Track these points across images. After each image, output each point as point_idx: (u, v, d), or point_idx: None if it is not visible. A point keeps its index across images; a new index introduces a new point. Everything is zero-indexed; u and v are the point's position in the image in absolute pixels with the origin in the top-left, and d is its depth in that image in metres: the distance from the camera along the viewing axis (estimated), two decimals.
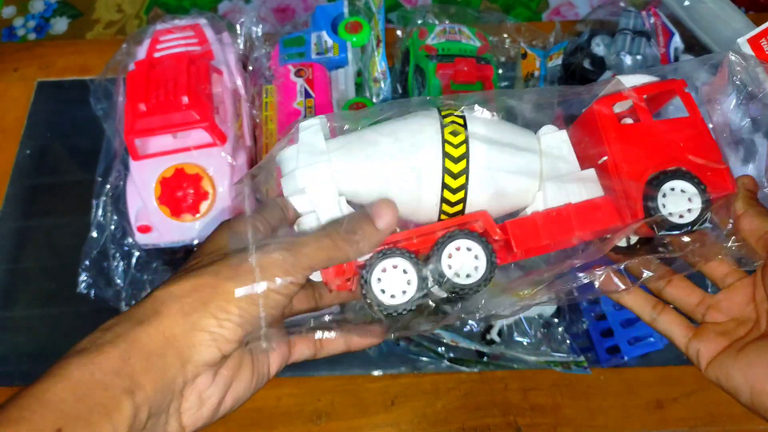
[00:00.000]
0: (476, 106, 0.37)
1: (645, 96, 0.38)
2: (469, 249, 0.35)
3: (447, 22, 0.72)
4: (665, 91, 0.39)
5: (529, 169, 0.37)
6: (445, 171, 0.35)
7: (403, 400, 0.58)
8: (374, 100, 0.65)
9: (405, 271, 0.35)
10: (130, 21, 1.61)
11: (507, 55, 0.73)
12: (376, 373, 0.59)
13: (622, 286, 0.38)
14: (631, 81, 0.38)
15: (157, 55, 0.61)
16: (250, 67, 0.66)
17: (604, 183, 0.37)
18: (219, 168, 0.55)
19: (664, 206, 0.35)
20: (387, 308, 0.34)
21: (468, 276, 0.34)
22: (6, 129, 0.74)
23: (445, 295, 0.36)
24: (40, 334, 0.63)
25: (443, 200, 0.35)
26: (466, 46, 0.67)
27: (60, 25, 1.61)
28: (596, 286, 0.38)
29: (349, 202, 0.36)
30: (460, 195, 0.35)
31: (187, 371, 0.31)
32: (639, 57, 0.60)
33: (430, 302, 0.37)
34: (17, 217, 0.69)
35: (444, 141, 0.35)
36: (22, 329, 0.64)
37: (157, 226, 0.55)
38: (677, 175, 0.36)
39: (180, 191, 0.54)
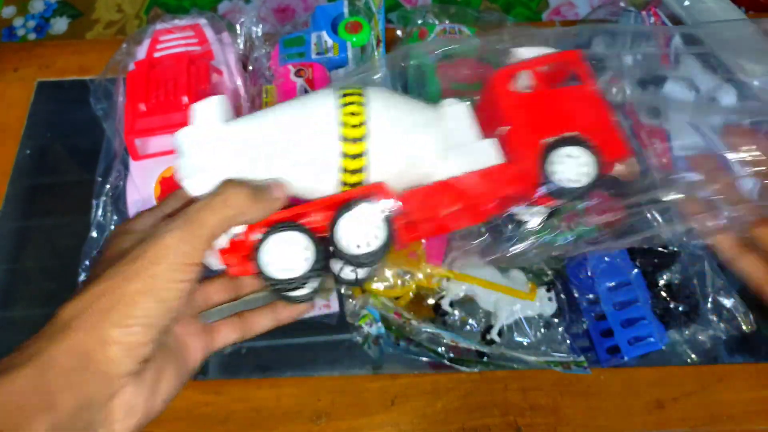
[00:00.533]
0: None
1: (543, 67, 0.38)
2: (357, 218, 0.34)
3: (447, 22, 0.72)
4: (563, 62, 0.39)
5: (431, 140, 0.36)
6: (343, 155, 0.34)
7: (403, 400, 0.58)
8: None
9: (301, 245, 0.34)
10: (130, 21, 1.61)
11: (507, 55, 0.73)
12: (375, 373, 0.59)
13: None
14: (527, 53, 0.39)
15: (157, 55, 0.61)
16: (250, 67, 0.66)
17: (505, 152, 0.37)
18: None
19: (560, 172, 0.36)
20: (280, 282, 0.34)
21: (368, 245, 0.34)
22: (6, 129, 0.74)
23: (341, 266, 0.36)
24: None
25: (343, 183, 0.35)
26: (465, 47, 0.67)
27: (60, 25, 1.61)
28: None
29: None
30: (360, 177, 0.35)
31: (109, 385, 0.30)
32: (639, 57, 0.60)
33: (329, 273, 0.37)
34: (17, 217, 0.69)
35: (341, 123, 0.34)
36: (22, 329, 0.64)
37: None
38: (570, 141, 0.36)
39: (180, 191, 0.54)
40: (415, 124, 0.36)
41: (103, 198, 0.60)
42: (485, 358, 0.57)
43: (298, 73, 0.63)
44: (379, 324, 0.56)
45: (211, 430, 0.57)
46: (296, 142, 0.35)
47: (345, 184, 0.35)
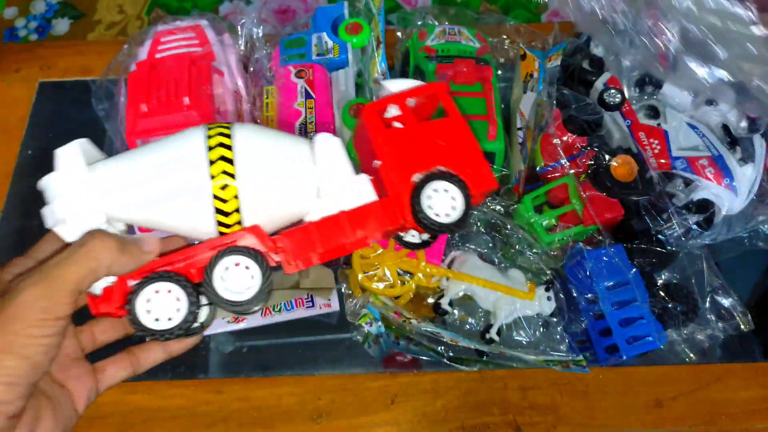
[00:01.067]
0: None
1: (410, 101, 0.39)
2: (237, 264, 0.34)
3: (446, 23, 0.72)
4: (430, 95, 0.39)
5: (303, 178, 0.36)
6: (215, 197, 0.34)
7: (403, 399, 0.58)
8: (375, 100, 0.65)
9: (177, 297, 0.34)
10: (132, 22, 1.61)
11: (506, 56, 0.74)
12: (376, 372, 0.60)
13: None
14: (395, 86, 0.39)
15: (158, 56, 0.61)
16: (251, 68, 0.66)
17: (378, 187, 0.38)
18: None
19: (429, 207, 0.36)
20: (154, 332, 0.33)
21: (248, 289, 0.34)
22: (8, 129, 0.74)
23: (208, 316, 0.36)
24: None
25: (219, 224, 0.35)
26: (465, 48, 0.68)
27: (61, 26, 1.62)
28: None
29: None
30: (235, 218, 0.35)
31: None
32: (638, 57, 0.60)
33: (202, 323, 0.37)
34: (19, 217, 0.69)
35: (210, 162, 0.34)
36: None
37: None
38: (438, 176, 0.37)
39: None
40: (286, 161, 0.36)
41: None
42: (485, 357, 0.58)
43: (298, 74, 0.64)
44: (379, 323, 0.56)
45: (212, 429, 0.57)
46: (166, 185, 0.34)
47: (222, 224, 0.35)
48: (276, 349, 0.61)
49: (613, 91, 0.62)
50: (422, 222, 0.36)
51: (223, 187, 0.34)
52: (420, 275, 0.58)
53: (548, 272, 0.59)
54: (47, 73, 0.78)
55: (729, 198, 0.60)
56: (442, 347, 0.58)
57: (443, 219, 0.37)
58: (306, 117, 0.61)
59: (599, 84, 0.64)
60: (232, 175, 0.34)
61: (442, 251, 0.59)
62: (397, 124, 0.38)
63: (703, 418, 0.57)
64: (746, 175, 0.61)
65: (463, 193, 0.37)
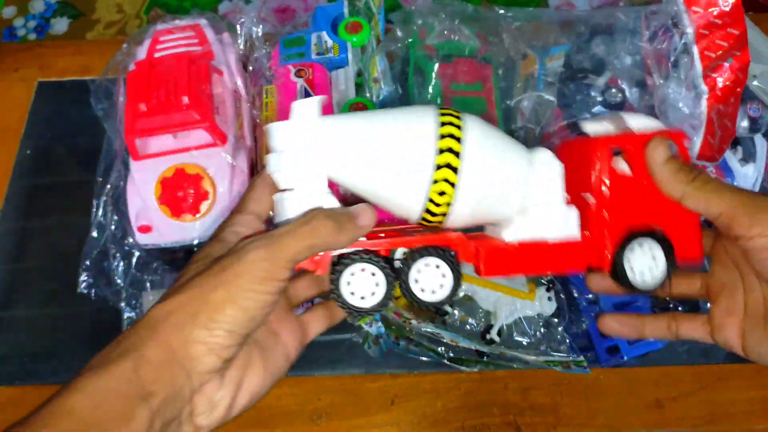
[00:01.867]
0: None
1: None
2: (437, 267, 0.36)
3: (447, 22, 0.72)
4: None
5: (517, 192, 0.36)
6: (433, 184, 0.35)
7: (403, 399, 0.58)
8: (374, 100, 0.65)
9: (374, 275, 0.36)
10: (131, 21, 1.61)
11: (506, 55, 0.73)
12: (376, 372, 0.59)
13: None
14: (636, 123, 0.38)
15: (157, 55, 0.61)
16: (251, 68, 0.66)
17: (582, 217, 0.37)
18: (219, 168, 0.55)
19: (630, 265, 0.36)
20: (354, 308, 0.36)
21: (433, 292, 0.36)
22: (6, 129, 0.74)
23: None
24: (41, 334, 0.63)
25: (427, 210, 0.35)
26: (465, 47, 0.68)
27: (60, 25, 1.62)
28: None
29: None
30: (444, 209, 0.35)
31: (193, 381, 0.33)
32: (638, 57, 0.60)
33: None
34: (17, 217, 0.69)
35: (438, 151, 0.35)
36: (22, 329, 0.64)
37: (158, 226, 0.55)
38: (651, 236, 0.36)
39: (180, 191, 0.54)
40: (507, 170, 0.36)
41: (104, 198, 0.60)
42: (485, 358, 0.58)
43: (298, 74, 0.63)
44: (379, 324, 0.56)
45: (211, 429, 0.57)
46: (388, 160, 0.35)
47: (429, 212, 0.36)
48: None
49: (614, 90, 0.62)
50: (616, 275, 0.36)
51: (443, 179, 0.35)
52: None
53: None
54: (46, 72, 0.78)
55: None
56: (443, 348, 0.57)
57: (638, 280, 0.36)
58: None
59: (600, 83, 0.63)
60: (454, 170, 0.35)
61: None
62: (623, 165, 0.37)
63: (704, 419, 0.57)
64: (747, 175, 0.61)
65: (667, 260, 0.36)
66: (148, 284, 0.60)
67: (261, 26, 0.67)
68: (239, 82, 0.63)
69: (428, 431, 0.57)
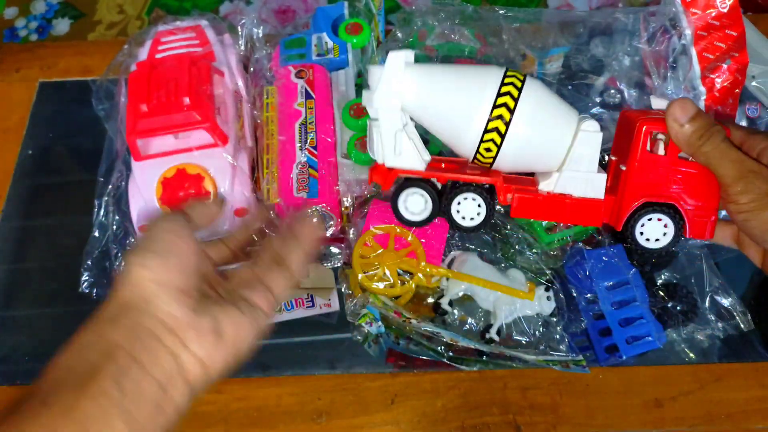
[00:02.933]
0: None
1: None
2: (474, 199, 0.45)
3: (447, 23, 0.72)
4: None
5: (558, 151, 0.43)
6: (486, 129, 0.42)
7: (402, 399, 0.58)
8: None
9: (425, 199, 0.46)
10: (132, 22, 1.62)
11: (506, 56, 0.73)
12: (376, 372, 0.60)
13: None
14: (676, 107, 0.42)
15: (158, 56, 0.62)
16: (251, 68, 0.67)
17: (610, 182, 0.44)
18: (220, 168, 0.56)
19: (641, 233, 0.43)
20: (408, 221, 0.48)
21: (471, 219, 0.46)
22: (8, 129, 0.74)
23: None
24: (42, 334, 0.64)
25: (478, 151, 0.43)
26: (465, 47, 0.68)
27: (62, 26, 1.62)
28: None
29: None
30: (492, 153, 0.43)
31: (159, 314, 0.35)
32: (637, 58, 0.60)
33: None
34: (19, 217, 0.69)
35: (497, 96, 0.42)
36: (23, 329, 0.64)
37: None
38: (665, 210, 0.42)
39: (181, 191, 0.55)
40: (553, 132, 0.43)
41: (105, 198, 0.60)
42: (484, 357, 0.58)
43: (298, 74, 0.64)
44: (379, 323, 0.56)
45: (211, 429, 0.57)
46: (455, 103, 0.43)
47: (479, 153, 0.43)
48: (276, 349, 0.61)
49: (613, 91, 0.62)
50: (628, 239, 0.44)
51: (495, 129, 0.42)
52: (420, 275, 0.58)
53: (548, 272, 0.60)
54: (47, 73, 0.78)
55: None
56: (442, 347, 0.58)
57: (646, 243, 0.43)
58: (306, 117, 0.61)
59: (599, 84, 0.64)
60: (506, 122, 0.42)
61: (442, 251, 0.59)
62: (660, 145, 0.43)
63: (703, 418, 0.57)
64: None
65: (677, 232, 0.43)
66: None
67: (262, 27, 0.68)
68: (240, 83, 0.63)
69: (428, 430, 0.57)
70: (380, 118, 0.44)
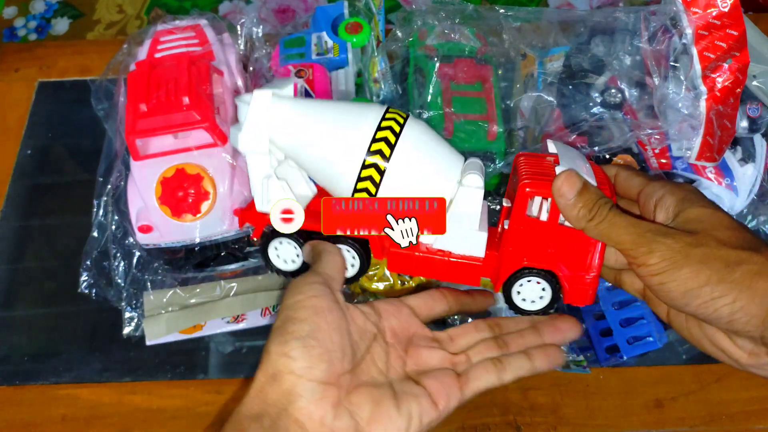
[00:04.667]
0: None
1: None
2: (348, 251, 0.42)
3: (447, 22, 0.72)
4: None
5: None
6: (364, 167, 0.39)
7: None
8: (374, 100, 0.65)
9: (295, 249, 0.43)
10: (131, 21, 1.61)
11: (506, 55, 0.73)
12: None
13: None
14: (562, 165, 0.40)
15: (158, 55, 0.61)
16: (251, 68, 0.66)
17: (491, 240, 0.42)
18: (220, 168, 0.55)
19: (519, 293, 0.41)
20: (280, 272, 0.44)
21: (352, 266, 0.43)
22: (7, 129, 0.74)
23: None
24: (42, 334, 0.63)
25: (356, 190, 0.39)
26: (465, 47, 0.68)
27: (61, 25, 1.62)
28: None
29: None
30: (371, 191, 0.39)
31: (294, 412, 0.34)
32: (638, 58, 0.60)
33: None
34: (18, 217, 0.69)
35: (373, 140, 0.38)
36: (23, 329, 0.64)
37: (158, 226, 0.55)
38: (544, 275, 0.40)
39: (181, 191, 0.55)
40: (434, 179, 0.40)
41: (104, 198, 0.60)
42: None
43: (298, 74, 0.64)
44: None
45: (212, 429, 0.57)
46: (331, 139, 0.39)
47: (357, 190, 0.39)
48: None
49: (613, 90, 0.62)
50: (507, 300, 0.42)
51: (373, 165, 0.39)
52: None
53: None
54: (46, 72, 0.78)
55: (729, 198, 0.60)
56: None
57: (526, 305, 0.42)
58: None
59: (600, 83, 0.63)
60: (385, 158, 0.39)
61: None
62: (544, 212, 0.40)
63: (704, 419, 0.57)
64: (747, 175, 0.61)
65: (554, 298, 0.41)
66: (148, 284, 0.60)
67: (261, 27, 0.68)
68: (239, 83, 0.63)
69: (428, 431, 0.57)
70: (248, 162, 0.40)
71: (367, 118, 0.39)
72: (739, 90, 0.55)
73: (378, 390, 0.37)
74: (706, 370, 0.59)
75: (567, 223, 0.39)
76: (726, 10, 0.53)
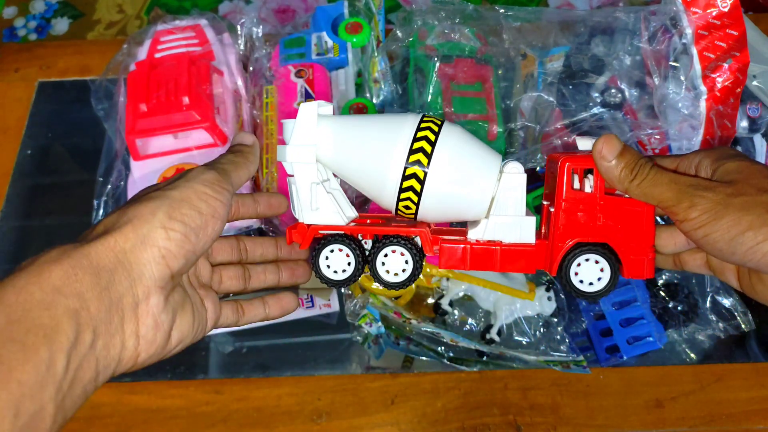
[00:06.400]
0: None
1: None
2: (402, 254, 0.42)
3: (447, 22, 0.72)
4: None
5: (482, 197, 0.40)
6: (404, 178, 0.39)
7: (402, 399, 0.58)
8: (374, 100, 0.65)
9: (348, 255, 0.42)
10: (131, 21, 1.61)
11: (506, 55, 0.73)
12: (375, 372, 0.60)
13: None
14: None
15: (158, 55, 0.61)
16: (251, 68, 0.66)
17: (543, 228, 0.42)
18: None
19: (576, 274, 0.40)
20: (328, 280, 0.42)
21: (396, 275, 0.42)
22: (7, 129, 0.74)
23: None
24: None
25: (399, 203, 0.40)
26: (465, 47, 0.68)
27: (61, 25, 1.62)
28: None
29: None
30: (412, 204, 0.40)
31: (138, 289, 0.32)
32: (638, 58, 0.60)
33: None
34: (18, 217, 0.69)
35: (411, 150, 0.39)
36: None
37: None
38: (599, 250, 0.40)
39: None
40: (475, 178, 0.40)
41: (104, 198, 0.60)
42: (485, 358, 0.58)
43: (298, 74, 0.64)
44: (379, 323, 0.56)
45: (211, 429, 0.57)
46: (370, 155, 0.40)
47: (400, 204, 0.40)
48: (276, 349, 0.61)
49: (613, 90, 0.62)
50: (564, 284, 0.41)
51: (413, 175, 0.39)
52: (420, 275, 0.58)
53: None
54: (46, 72, 0.78)
55: None
56: (442, 347, 0.58)
57: (584, 286, 0.41)
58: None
59: (600, 83, 0.63)
60: (424, 169, 0.39)
61: None
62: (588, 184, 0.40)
63: (704, 419, 0.57)
64: None
65: (613, 273, 0.40)
66: None
67: (261, 27, 0.68)
68: (239, 83, 0.63)
69: (428, 431, 0.57)
70: (294, 172, 0.41)
71: (403, 129, 0.40)
72: (739, 90, 0.55)
73: (185, 295, 0.37)
74: (706, 370, 0.59)
75: (613, 193, 0.40)
76: (726, 10, 0.53)
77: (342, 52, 0.67)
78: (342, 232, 0.42)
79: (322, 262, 0.42)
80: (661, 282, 0.59)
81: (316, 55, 0.66)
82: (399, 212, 0.41)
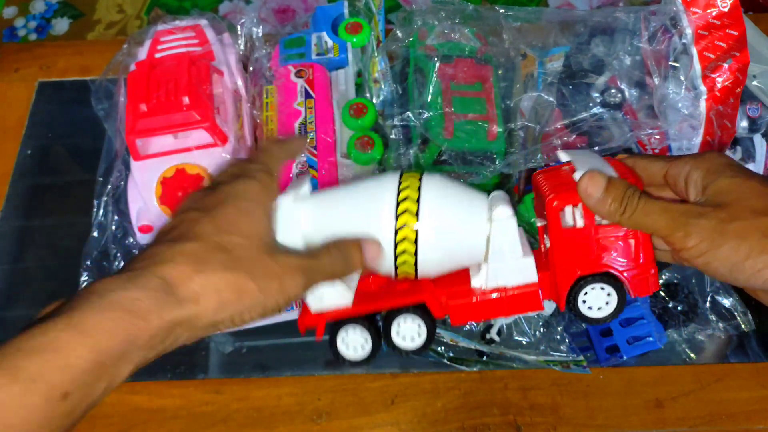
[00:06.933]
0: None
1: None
2: (414, 320, 0.42)
3: (447, 22, 0.72)
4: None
5: (477, 242, 0.41)
6: (396, 245, 0.40)
7: (403, 399, 0.58)
8: (374, 100, 0.65)
9: (363, 330, 0.43)
10: (131, 21, 1.61)
11: (506, 55, 0.73)
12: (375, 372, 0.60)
13: None
14: (580, 169, 0.40)
15: (158, 55, 0.61)
16: (251, 68, 0.66)
17: (539, 261, 0.42)
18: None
19: (584, 302, 0.41)
20: (354, 362, 0.43)
21: (412, 339, 0.43)
22: (7, 129, 0.74)
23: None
24: None
25: (396, 265, 0.40)
26: (465, 47, 0.68)
27: (61, 25, 1.62)
28: None
29: None
30: (411, 261, 0.40)
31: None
32: (638, 58, 0.60)
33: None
34: (18, 218, 0.69)
35: (397, 215, 0.39)
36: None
37: (158, 226, 0.55)
38: (602, 278, 0.40)
39: (181, 191, 0.55)
40: (465, 229, 0.40)
41: (104, 198, 0.60)
42: (485, 358, 0.58)
43: (298, 74, 0.64)
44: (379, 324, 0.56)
45: (211, 429, 0.57)
46: (357, 229, 0.40)
47: (399, 268, 0.41)
48: (276, 349, 0.61)
49: (613, 90, 0.62)
50: (574, 314, 0.41)
51: (404, 239, 0.40)
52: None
53: None
54: (46, 72, 0.78)
55: None
56: (442, 347, 0.57)
57: (593, 313, 0.41)
58: (306, 116, 0.61)
59: (600, 83, 0.63)
60: (414, 217, 0.39)
61: None
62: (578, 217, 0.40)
63: (704, 419, 0.57)
64: None
65: (620, 296, 0.40)
66: None
67: (261, 27, 0.68)
68: (239, 83, 0.63)
69: (428, 431, 0.57)
70: None
71: (384, 192, 0.40)
72: (739, 90, 0.55)
73: None
74: (706, 370, 0.59)
75: (604, 222, 0.40)
76: (726, 10, 0.53)
77: (342, 52, 0.67)
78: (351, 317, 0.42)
79: (341, 346, 0.43)
80: (661, 282, 0.59)
81: (316, 55, 0.66)
82: (399, 274, 0.41)
